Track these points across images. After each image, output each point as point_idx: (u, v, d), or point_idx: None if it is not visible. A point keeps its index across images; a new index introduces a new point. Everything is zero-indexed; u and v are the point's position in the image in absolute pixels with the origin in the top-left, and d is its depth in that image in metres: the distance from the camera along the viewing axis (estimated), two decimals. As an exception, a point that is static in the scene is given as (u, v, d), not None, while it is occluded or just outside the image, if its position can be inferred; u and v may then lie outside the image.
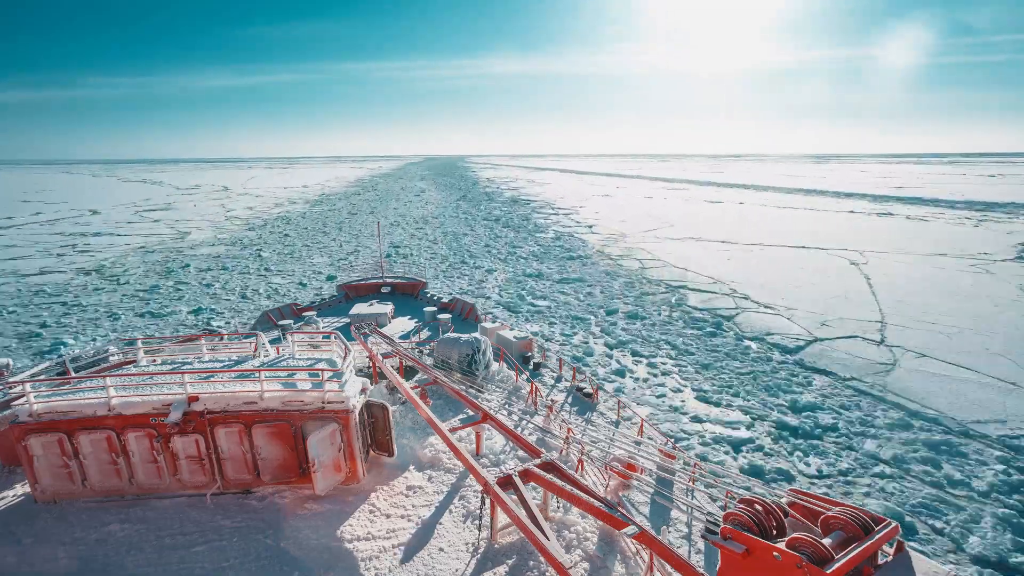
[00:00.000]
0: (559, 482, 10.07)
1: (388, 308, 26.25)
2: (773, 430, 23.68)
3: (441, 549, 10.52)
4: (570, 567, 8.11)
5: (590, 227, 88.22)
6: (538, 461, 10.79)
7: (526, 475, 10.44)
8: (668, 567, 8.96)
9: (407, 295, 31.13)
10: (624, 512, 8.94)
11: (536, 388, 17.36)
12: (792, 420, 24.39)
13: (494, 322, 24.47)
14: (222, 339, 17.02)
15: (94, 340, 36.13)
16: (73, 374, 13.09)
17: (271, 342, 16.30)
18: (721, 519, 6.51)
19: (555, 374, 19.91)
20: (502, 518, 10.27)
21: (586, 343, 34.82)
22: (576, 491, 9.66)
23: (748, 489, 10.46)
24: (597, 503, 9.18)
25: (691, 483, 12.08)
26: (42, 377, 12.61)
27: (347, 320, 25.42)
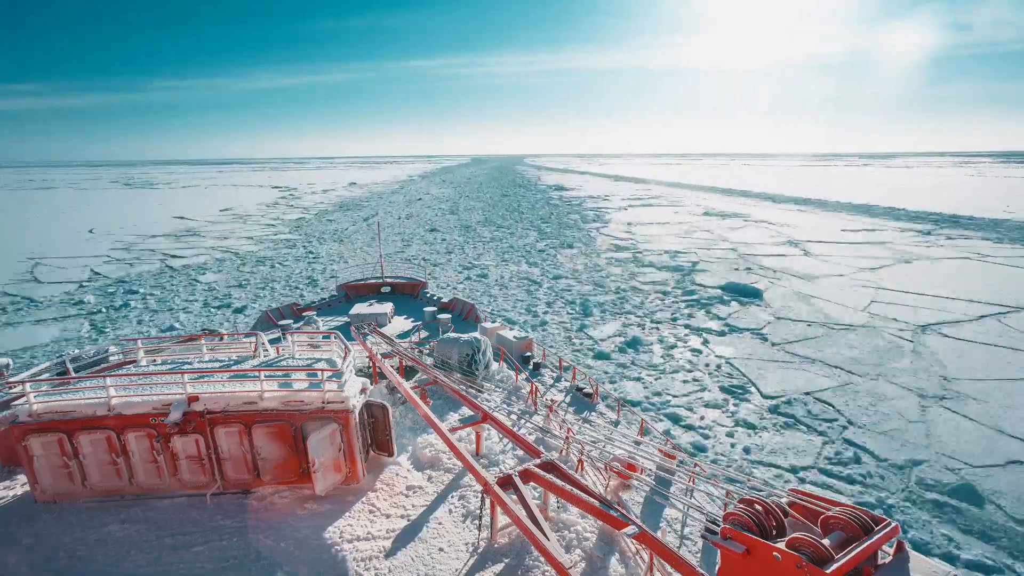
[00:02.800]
0: (559, 482, 10.07)
1: (388, 308, 26.26)
2: None
3: (441, 549, 10.52)
4: (570, 567, 8.11)
5: None
6: (538, 461, 10.79)
7: (526, 475, 10.44)
8: (668, 567, 8.97)
9: (407, 295, 31.13)
10: (624, 512, 8.95)
11: (536, 388, 17.36)
12: None
13: (494, 322, 24.47)
14: (222, 339, 17.02)
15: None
16: (73, 374, 13.08)
17: (271, 342, 16.30)
18: (721, 519, 6.52)
19: (555, 374, 19.91)
20: (502, 518, 10.27)
21: None
22: (576, 491, 9.66)
23: (748, 488, 10.45)
24: (597, 503, 9.19)
25: (691, 483, 12.08)
26: (42, 377, 12.61)
27: (347, 320, 25.42)
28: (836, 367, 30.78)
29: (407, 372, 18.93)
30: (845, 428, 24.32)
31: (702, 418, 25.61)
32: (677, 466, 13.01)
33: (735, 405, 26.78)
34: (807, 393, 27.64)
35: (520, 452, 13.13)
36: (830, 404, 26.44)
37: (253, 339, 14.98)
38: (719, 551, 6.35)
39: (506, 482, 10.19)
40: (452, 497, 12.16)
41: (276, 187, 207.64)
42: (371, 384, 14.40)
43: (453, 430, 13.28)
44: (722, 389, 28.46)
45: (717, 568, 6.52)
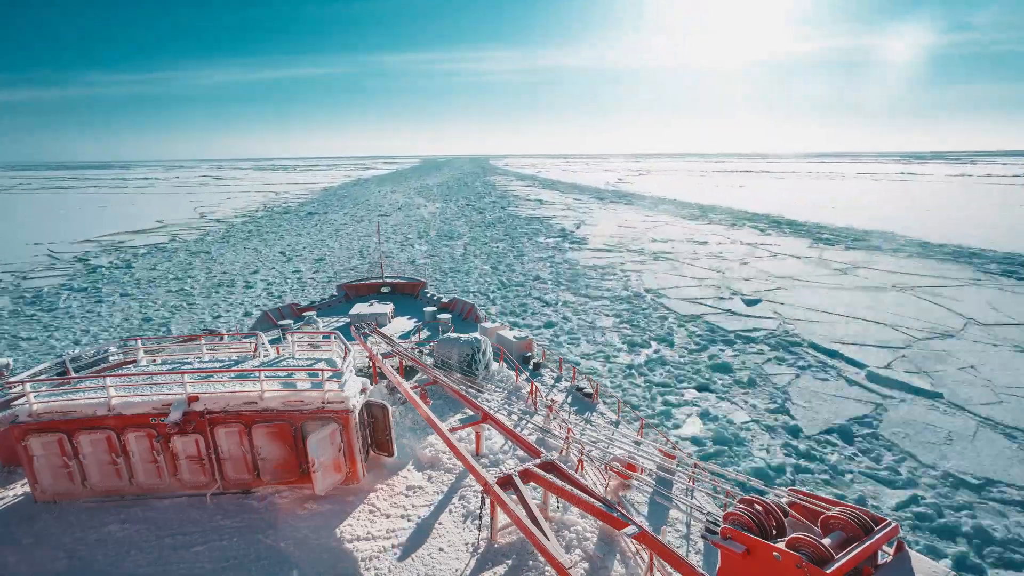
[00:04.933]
0: (559, 482, 10.07)
1: (388, 308, 26.26)
2: None
3: (441, 549, 10.53)
4: (570, 567, 8.11)
5: None
6: (538, 461, 10.78)
7: (526, 475, 10.44)
8: (668, 567, 8.96)
9: (407, 295, 31.13)
10: (624, 512, 8.95)
11: (536, 388, 17.36)
12: None
13: (494, 322, 24.47)
14: (222, 339, 17.04)
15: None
16: (73, 374, 13.09)
17: (271, 342, 16.30)
18: (721, 519, 6.51)
19: (555, 374, 19.90)
20: (502, 518, 10.27)
21: None
22: (576, 491, 9.66)
23: (748, 489, 10.45)
24: (597, 503, 9.18)
25: (691, 483, 12.08)
26: (42, 377, 12.62)
27: (347, 320, 25.42)
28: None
29: (407, 372, 18.92)
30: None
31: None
32: (677, 466, 13.01)
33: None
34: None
35: (520, 452, 13.13)
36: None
37: (253, 339, 14.99)
38: (719, 551, 6.35)
39: (506, 482, 10.19)
40: (452, 497, 12.16)
41: None
42: (371, 384, 14.40)
43: (453, 430, 13.28)
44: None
45: (717, 568, 6.51)
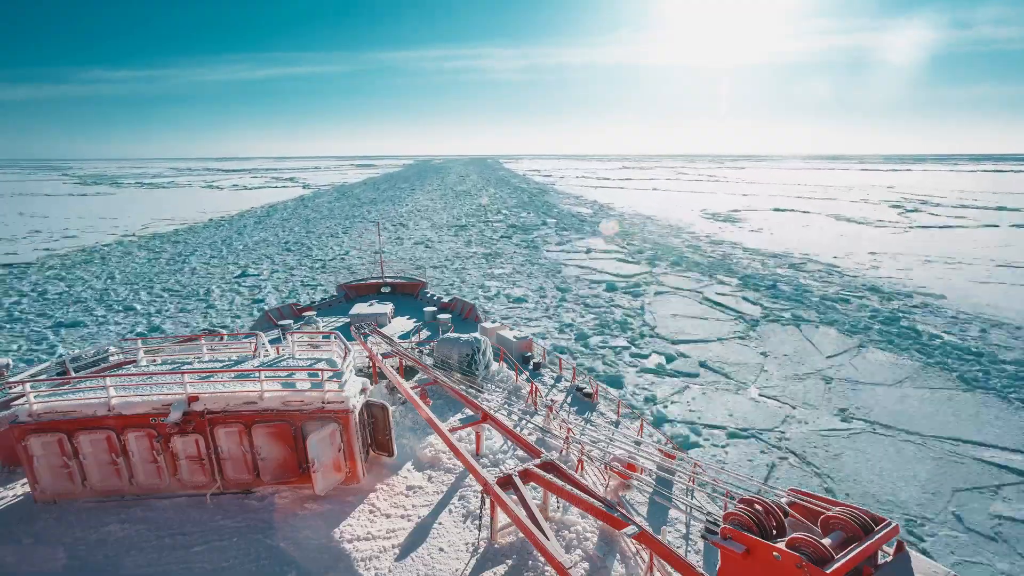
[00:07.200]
0: (559, 482, 10.07)
1: (388, 308, 26.25)
2: None
3: (441, 549, 10.53)
4: (570, 567, 8.11)
5: None
6: (538, 461, 10.78)
7: (526, 475, 10.44)
8: (668, 567, 8.96)
9: (407, 295, 31.12)
10: (624, 512, 8.94)
11: (536, 388, 17.36)
12: None
13: (494, 322, 24.46)
14: (222, 339, 17.04)
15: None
16: (73, 374, 13.09)
17: (271, 342, 16.30)
18: (721, 519, 6.51)
19: (555, 374, 19.90)
20: (502, 518, 10.27)
21: None
22: (576, 491, 9.66)
23: (748, 489, 10.45)
24: (597, 503, 9.18)
25: (691, 483, 12.07)
26: (42, 377, 12.62)
27: (347, 320, 25.42)
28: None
29: (407, 372, 18.93)
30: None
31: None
32: (677, 466, 13.01)
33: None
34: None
35: (520, 452, 13.13)
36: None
37: (253, 339, 14.99)
38: (719, 551, 6.34)
39: (506, 482, 10.19)
40: (452, 497, 12.16)
41: None
42: (371, 384, 14.38)
43: (453, 430, 13.28)
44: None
45: (717, 568, 6.51)
